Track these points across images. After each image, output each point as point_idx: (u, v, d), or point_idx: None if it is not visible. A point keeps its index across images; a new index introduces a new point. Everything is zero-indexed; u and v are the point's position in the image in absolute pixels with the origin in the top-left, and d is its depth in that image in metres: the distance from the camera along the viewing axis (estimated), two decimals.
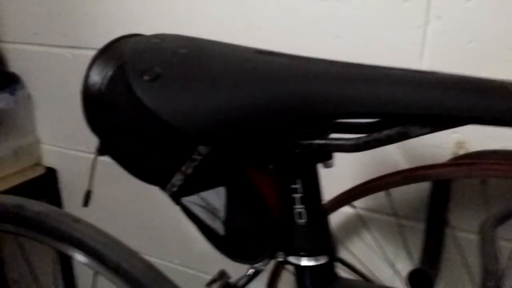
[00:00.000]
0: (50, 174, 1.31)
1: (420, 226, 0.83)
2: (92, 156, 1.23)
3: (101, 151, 0.47)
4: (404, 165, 0.84)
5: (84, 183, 1.28)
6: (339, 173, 0.91)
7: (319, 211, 0.45)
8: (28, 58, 1.22)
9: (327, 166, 0.43)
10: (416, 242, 0.83)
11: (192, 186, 0.44)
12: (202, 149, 0.42)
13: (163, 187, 0.46)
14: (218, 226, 0.46)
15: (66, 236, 0.60)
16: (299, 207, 0.44)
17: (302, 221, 0.44)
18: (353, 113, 0.36)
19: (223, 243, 0.46)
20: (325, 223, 0.46)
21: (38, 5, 1.13)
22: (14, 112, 1.26)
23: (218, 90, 0.37)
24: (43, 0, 1.12)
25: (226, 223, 0.45)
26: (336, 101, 0.35)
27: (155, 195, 1.15)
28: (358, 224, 0.93)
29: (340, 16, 0.81)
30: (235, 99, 0.37)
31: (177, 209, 0.47)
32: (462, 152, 0.80)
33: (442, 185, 0.81)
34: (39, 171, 1.30)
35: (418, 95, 0.34)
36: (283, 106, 0.36)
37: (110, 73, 0.42)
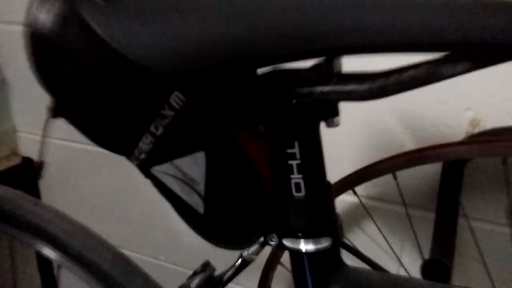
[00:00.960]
0: (27, 164, 1.22)
1: (430, 216, 0.75)
2: (72, 144, 1.11)
3: (55, 112, 0.38)
4: (411, 147, 0.75)
5: (64, 173, 1.20)
6: (337, 157, 0.83)
7: (321, 182, 0.36)
8: (4, 40, 1.13)
9: (332, 124, 0.35)
10: (425, 234, 0.75)
11: (164, 151, 0.36)
12: (175, 101, 0.33)
13: (129, 155, 0.37)
14: (196, 202, 0.37)
15: (22, 221, 0.51)
16: (296, 177, 0.35)
17: (300, 194, 0.35)
18: (365, 45, 0.27)
19: (203, 223, 0.38)
20: (328, 198, 0.37)
21: None
22: None
23: (192, 16, 0.29)
24: None
25: (206, 197, 0.36)
26: (341, 29, 0.27)
27: (142, 188, 1.06)
28: (360, 214, 0.85)
29: None
30: (213, 27, 0.28)
31: (164, 202, 0.38)
32: (477, 131, 0.72)
33: (455, 168, 0.73)
34: (15, 161, 1.21)
35: (453, 16, 0.25)
36: (273, 37, 0.27)
37: (60, 8, 0.33)
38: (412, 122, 0.77)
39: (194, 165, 0.36)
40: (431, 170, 0.77)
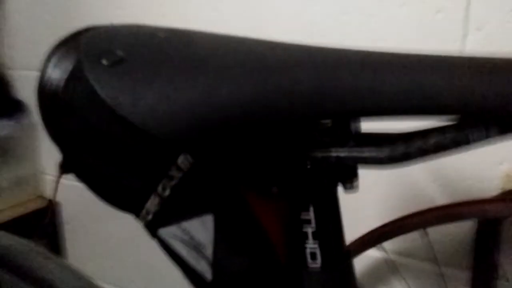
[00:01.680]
0: (51, 208, 1.23)
1: (464, 276, 0.69)
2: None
3: (64, 167, 0.38)
4: (441, 202, 0.71)
5: (87, 217, 1.20)
6: (362, 210, 0.79)
7: (339, 250, 0.33)
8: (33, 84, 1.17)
9: (350, 188, 0.32)
10: None
11: (171, 213, 0.34)
12: (182, 162, 0.31)
13: (137, 214, 0.36)
14: (204, 269, 0.34)
15: (31, 275, 0.50)
16: (311, 245, 0.32)
17: (315, 264, 0.33)
18: (381, 108, 0.25)
19: None
20: (347, 268, 0.34)
21: (47, 32, 1.09)
22: (18, 140, 1.21)
23: (200, 79, 0.27)
24: (51, 27, 1.08)
25: (214, 264, 0.34)
26: (357, 92, 0.25)
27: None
28: (387, 271, 0.79)
29: (367, 29, 0.72)
30: (222, 91, 0.27)
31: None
32: None
33: (490, 225, 0.67)
34: (41, 204, 1.22)
35: (482, 81, 0.23)
36: (286, 101, 0.26)
37: (69, 68, 0.33)
38: (441, 175, 0.73)
39: (202, 229, 0.34)
40: (463, 226, 0.72)
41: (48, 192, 1.25)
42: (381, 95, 0.25)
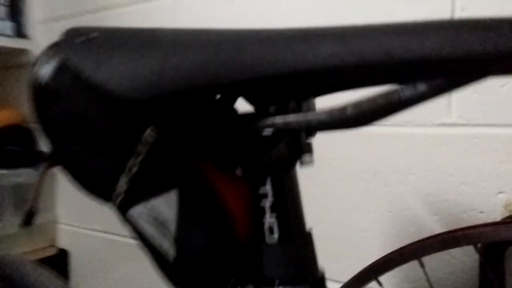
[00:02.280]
0: (62, 256, 1.24)
1: None
2: (104, 235, 1.15)
3: (52, 159, 0.41)
4: None
5: (95, 265, 1.20)
6: (361, 246, 0.77)
7: (298, 224, 0.34)
8: None
9: (306, 162, 0.34)
10: None
11: (139, 190, 0.36)
12: (148, 135, 0.34)
13: (110, 198, 0.38)
14: (168, 246, 0.35)
15: None
16: (269, 219, 0.33)
17: (274, 237, 0.33)
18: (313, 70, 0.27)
19: (174, 270, 0.35)
20: (306, 241, 0.34)
21: None
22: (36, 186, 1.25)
23: (158, 49, 0.31)
24: None
25: (176, 240, 0.35)
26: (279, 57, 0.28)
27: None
28: None
29: None
30: (172, 57, 0.30)
31: None
32: None
33: (494, 253, 0.64)
34: (51, 252, 1.24)
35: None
36: (224, 66, 0.29)
37: (55, 62, 0.37)
38: (440, 208, 0.71)
39: (167, 205, 0.35)
40: (464, 258, 0.69)
41: (60, 242, 1.27)
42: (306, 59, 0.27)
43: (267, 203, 0.33)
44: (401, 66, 0.26)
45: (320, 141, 0.81)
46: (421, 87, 0.27)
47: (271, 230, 0.33)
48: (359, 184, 0.78)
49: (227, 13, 0.93)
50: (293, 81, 0.30)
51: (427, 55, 0.25)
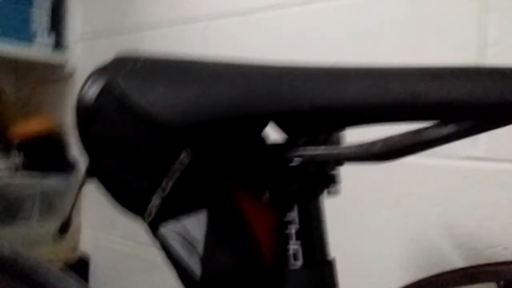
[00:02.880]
0: (82, 264, 1.27)
1: None
2: (126, 242, 1.18)
3: (89, 172, 0.43)
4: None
5: (115, 274, 1.22)
6: (380, 274, 0.77)
7: (321, 251, 0.35)
8: None
9: (331, 193, 0.35)
10: None
11: (171, 209, 0.37)
12: (184, 157, 0.36)
13: (143, 213, 0.40)
14: (194, 265, 0.37)
15: None
16: (294, 245, 0.34)
17: (298, 263, 0.34)
18: (346, 111, 0.29)
19: None
20: (329, 268, 0.35)
21: None
22: (63, 195, 1.30)
23: (201, 78, 0.33)
24: None
25: (203, 259, 0.36)
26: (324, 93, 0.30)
27: None
28: None
29: None
30: (215, 87, 0.32)
31: None
32: None
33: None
34: (73, 257, 1.27)
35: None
36: (263, 99, 0.31)
37: (102, 86, 0.40)
38: (463, 242, 0.71)
39: (197, 224, 0.37)
40: None
41: (83, 248, 1.31)
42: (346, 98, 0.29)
43: (293, 229, 0.35)
44: (425, 108, 0.27)
45: (344, 167, 0.82)
46: (451, 128, 0.28)
47: (295, 256, 0.34)
48: (382, 212, 0.78)
49: (257, 38, 0.96)
50: (325, 115, 0.31)
51: (454, 99, 0.26)
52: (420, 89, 0.27)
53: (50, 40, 1.31)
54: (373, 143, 0.30)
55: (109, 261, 1.22)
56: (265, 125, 0.35)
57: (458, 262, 0.71)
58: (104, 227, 1.25)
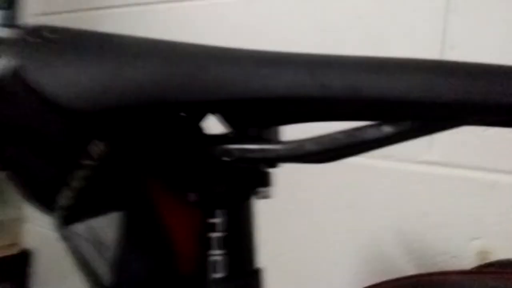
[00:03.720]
0: (24, 256, 1.19)
1: None
2: None
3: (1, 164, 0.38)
4: None
5: (58, 268, 1.15)
6: (329, 279, 0.75)
7: (246, 260, 0.31)
8: None
9: (262, 195, 0.31)
10: None
11: (81, 208, 0.33)
12: (94, 150, 0.31)
13: (53, 210, 0.35)
14: (104, 271, 0.32)
15: None
16: (216, 254, 0.30)
17: (218, 273, 0.30)
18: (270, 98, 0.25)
19: None
20: (254, 279, 0.31)
21: None
22: (5, 186, 1.21)
23: (112, 57, 0.28)
24: None
25: (114, 265, 0.32)
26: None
27: None
28: None
29: None
30: (130, 68, 0.27)
31: None
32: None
33: None
34: (13, 251, 1.19)
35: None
36: (185, 86, 0.26)
37: (5, 63, 0.34)
38: (414, 248, 0.69)
39: (107, 228, 0.32)
40: None
41: (25, 240, 1.23)
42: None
43: (216, 236, 0.31)
44: (367, 104, 0.24)
45: (296, 166, 0.78)
46: (387, 128, 0.25)
47: (217, 266, 0.30)
48: (334, 215, 0.76)
49: (221, 25, 0.91)
50: (254, 108, 0.27)
51: (395, 96, 0.23)
52: (359, 83, 0.24)
53: (3, 18, 1.22)
54: (304, 142, 0.27)
55: (52, 255, 1.15)
56: (196, 114, 0.30)
57: (408, 268, 0.69)
58: (48, 221, 1.17)
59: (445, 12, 0.67)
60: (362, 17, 0.74)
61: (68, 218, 0.34)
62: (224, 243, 0.30)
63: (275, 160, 0.28)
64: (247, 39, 0.87)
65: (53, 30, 0.33)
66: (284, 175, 0.81)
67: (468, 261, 0.64)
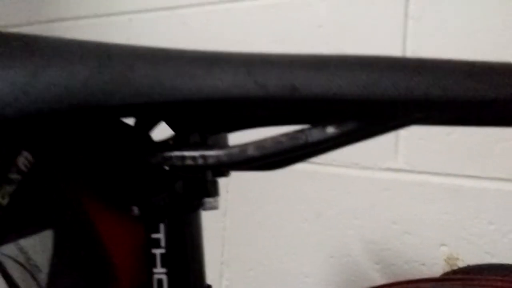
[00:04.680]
0: None
1: None
2: None
3: None
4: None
5: None
6: None
7: (193, 279, 0.29)
8: None
9: (207, 206, 0.29)
10: None
11: (9, 227, 0.30)
12: (22, 163, 0.28)
13: None
14: None
15: None
16: (159, 272, 0.28)
17: None
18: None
19: None
20: None
21: None
22: None
23: (31, 59, 0.26)
24: None
25: None
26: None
27: None
28: None
29: None
30: (51, 70, 0.25)
31: None
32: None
33: None
34: None
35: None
36: (114, 89, 0.24)
37: None
38: (383, 256, 0.68)
39: (40, 248, 0.29)
40: None
41: None
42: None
43: (158, 252, 0.28)
44: (307, 104, 0.22)
45: (264, 177, 0.77)
46: (331, 129, 0.23)
47: (160, 285, 0.28)
48: (302, 225, 0.74)
49: (181, 34, 0.89)
50: (191, 111, 0.25)
51: (334, 94, 0.21)
52: (296, 81, 0.22)
53: None
54: (246, 146, 0.25)
55: None
56: (140, 120, 0.28)
57: (377, 278, 0.68)
58: None
59: (404, 19, 0.68)
60: (322, 26, 0.73)
61: None
62: (166, 259, 0.28)
63: (217, 166, 0.26)
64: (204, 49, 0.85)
65: None
66: (250, 187, 0.79)
67: (437, 268, 0.63)
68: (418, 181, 0.65)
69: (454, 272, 0.61)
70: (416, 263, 0.65)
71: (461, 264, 0.62)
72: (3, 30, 0.33)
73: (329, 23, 0.73)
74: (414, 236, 0.65)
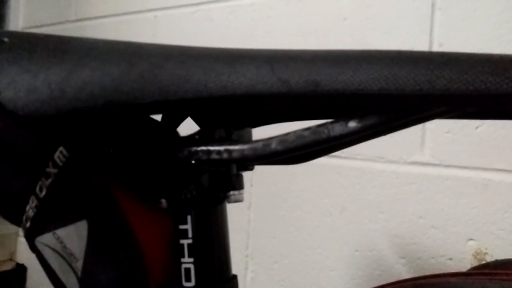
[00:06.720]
0: (19, 271, 1.18)
1: None
2: None
3: None
4: None
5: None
6: (326, 285, 0.73)
7: (219, 268, 0.30)
8: None
9: (233, 199, 0.30)
10: None
11: (47, 218, 0.32)
12: (58, 158, 0.30)
13: (20, 222, 0.33)
14: (73, 282, 0.31)
15: None
16: (186, 261, 0.29)
17: (189, 283, 0.29)
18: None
19: None
20: (228, 287, 0.30)
21: None
22: None
23: (66, 59, 0.27)
24: None
25: (82, 279, 0.31)
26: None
27: None
28: None
29: None
30: (84, 70, 0.26)
31: None
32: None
33: None
34: (8, 266, 1.18)
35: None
36: (142, 87, 0.25)
37: None
38: (408, 251, 0.67)
39: (75, 238, 0.31)
40: None
41: (19, 255, 1.21)
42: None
43: (186, 242, 0.29)
44: (329, 99, 0.23)
45: (288, 171, 0.77)
46: (353, 124, 0.24)
47: (187, 274, 0.29)
48: (327, 219, 0.74)
49: (206, 30, 0.90)
50: (217, 107, 0.26)
51: (356, 89, 0.22)
52: (319, 77, 0.23)
53: None
54: (269, 141, 0.25)
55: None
56: (167, 116, 0.29)
57: (403, 272, 0.67)
58: None
59: (431, 10, 0.66)
60: (347, 19, 0.73)
61: (34, 229, 0.33)
62: (193, 250, 0.29)
63: (241, 160, 0.27)
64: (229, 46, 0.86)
65: (5, 34, 0.32)
66: (274, 181, 0.80)
67: (464, 263, 0.63)
68: (445, 175, 0.65)
69: (481, 266, 0.60)
70: (443, 257, 0.64)
71: (489, 258, 0.61)
72: (35, 30, 0.35)
73: (354, 15, 0.72)
74: (440, 230, 0.65)
